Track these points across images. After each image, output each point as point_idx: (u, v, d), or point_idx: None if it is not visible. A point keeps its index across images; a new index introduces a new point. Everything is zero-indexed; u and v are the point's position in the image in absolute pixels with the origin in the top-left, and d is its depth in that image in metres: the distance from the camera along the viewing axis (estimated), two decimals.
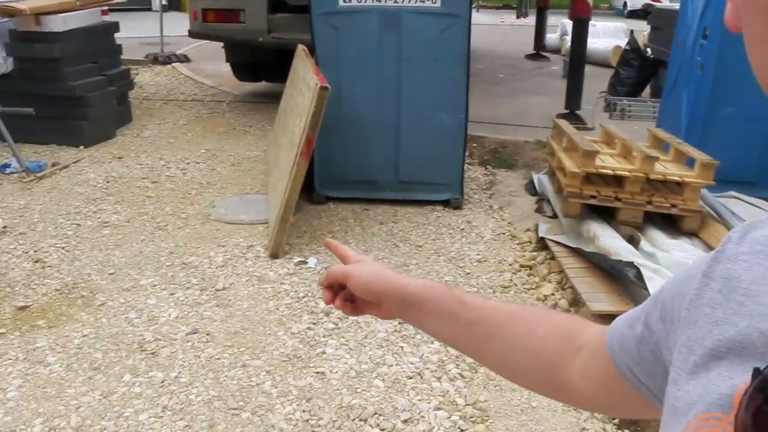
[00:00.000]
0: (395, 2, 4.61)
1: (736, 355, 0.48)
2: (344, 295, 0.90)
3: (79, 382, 2.82)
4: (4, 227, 4.29)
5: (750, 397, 0.42)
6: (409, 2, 4.60)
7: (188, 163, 5.73)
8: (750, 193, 4.43)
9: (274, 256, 4.00)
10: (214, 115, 7.45)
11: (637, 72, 8.40)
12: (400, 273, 0.87)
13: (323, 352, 3.09)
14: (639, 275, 3.25)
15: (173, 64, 10.51)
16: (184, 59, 10.85)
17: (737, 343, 0.48)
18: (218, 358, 3.02)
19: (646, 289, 3.16)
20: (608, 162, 4.12)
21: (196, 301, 3.50)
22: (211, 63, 10.16)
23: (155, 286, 3.65)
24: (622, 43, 10.00)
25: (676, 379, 0.53)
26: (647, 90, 8.62)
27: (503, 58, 12.13)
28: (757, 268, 0.51)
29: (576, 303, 3.50)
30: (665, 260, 3.48)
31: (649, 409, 0.66)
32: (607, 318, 3.25)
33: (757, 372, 0.43)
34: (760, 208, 4.28)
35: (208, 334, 3.20)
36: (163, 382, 2.83)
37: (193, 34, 7.37)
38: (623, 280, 3.44)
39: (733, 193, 4.43)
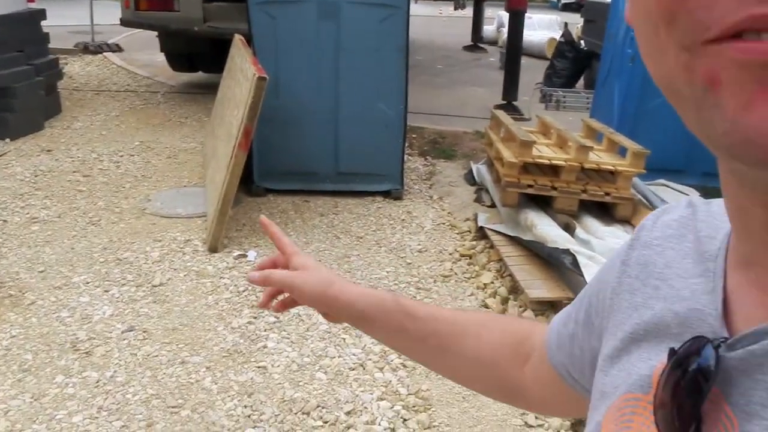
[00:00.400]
0: None
1: (653, 336, 0.49)
2: (285, 300, 0.88)
3: (8, 385, 2.70)
4: None
5: (667, 375, 0.43)
6: None
7: (122, 156, 5.56)
8: (678, 181, 4.60)
9: (213, 250, 3.92)
10: (148, 106, 7.25)
11: (571, 64, 8.60)
12: (344, 279, 0.84)
13: (264, 346, 3.05)
14: (575, 262, 3.33)
15: (105, 53, 10.18)
16: (116, 49, 10.52)
17: (653, 325, 0.50)
18: (156, 356, 2.94)
19: (582, 275, 3.24)
20: (544, 152, 4.20)
21: (131, 298, 3.40)
22: (145, 53, 9.88)
23: (88, 283, 3.53)
24: (557, 35, 10.21)
25: (603, 365, 0.55)
26: (581, 81, 8.83)
27: (441, 50, 12.22)
28: (669, 252, 0.53)
29: (515, 290, 3.56)
30: (600, 247, 3.58)
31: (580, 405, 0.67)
32: (545, 304, 3.31)
33: (672, 352, 0.44)
34: (687, 194, 4.45)
35: (144, 332, 3.12)
36: (98, 382, 2.75)
37: (125, 22, 7.14)
38: (560, 267, 3.52)
39: (662, 181, 4.58)
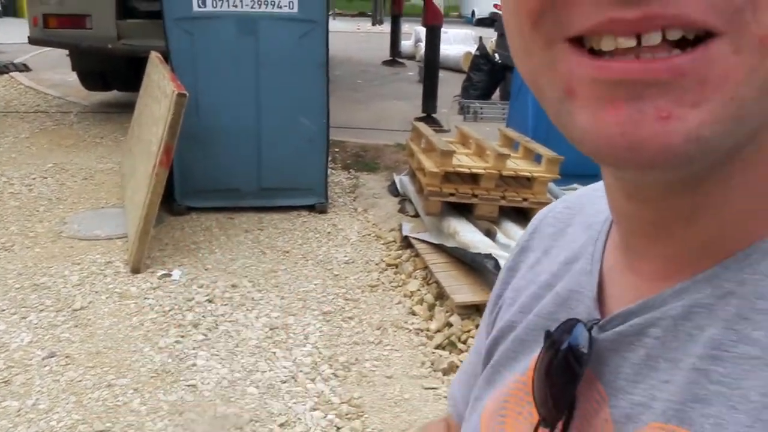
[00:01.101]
0: (252, 8, 4.58)
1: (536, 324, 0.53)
2: None
3: None
4: None
5: (542, 356, 0.46)
6: (265, 8, 4.59)
7: (34, 179, 5.36)
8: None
9: (136, 270, 3.84)
10: (60, 126, 7.02)
11: (487, 76, 8.87)
12: None
13: (194, 365, 3.01)
14: (497, 265, 3.45)
15: (11, 73, 9.77)
16: (24, 68, 10.12)
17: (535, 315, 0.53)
18: (80, 380, 2.86)
19: None
20: (464, 161, 4.33)
21: (51, 323, 3.29)
22: (55, 72, 9.56)
23: (3, 310, 3.39)
24: (472, 49, 10.51)
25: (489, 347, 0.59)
26: (497, 93, 9.12)
27: (360, 65, 12.35)
28: (558, 237, 0.58)
29: (441, 296, 3.65)
30: None
31: None
32: (470, 308, 3.40)
33: (548, 334, 0.46)
34: None
35: (67, 357, 3.02)
36: (19, 411, 2.65)
37: (33, 41, 6.89)
38: (483, 271, 3.63)
39: (576, 185, 4.80)
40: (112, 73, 7.44)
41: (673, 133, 0.32)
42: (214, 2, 4.56)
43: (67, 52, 7.52)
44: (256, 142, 4.78)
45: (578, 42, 0.34)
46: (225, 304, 3.55)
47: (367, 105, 8.77)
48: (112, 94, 8.08)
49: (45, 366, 2.95)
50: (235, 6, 4.58)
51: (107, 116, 7.43)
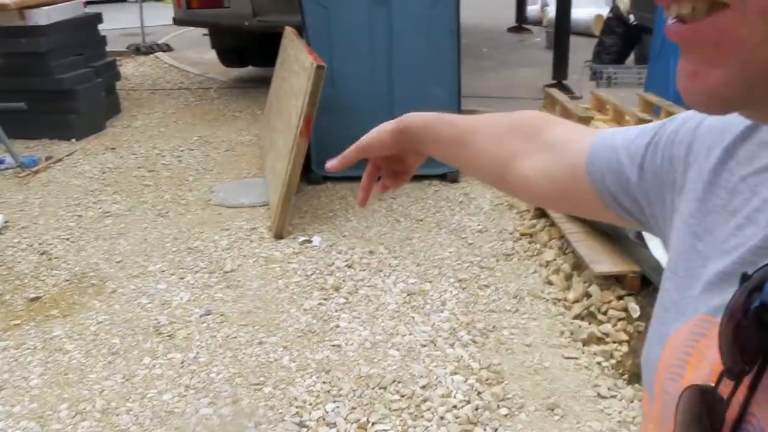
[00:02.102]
0: None
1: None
2: (385, 179, 0.97)
3: (100, 367, 2.86)
4: (6, 222, 4.29)
5: (734, 302, 0.42)
6: None
7: (182, 151, 5.73)
8: None
9: (279, 236, 4.04)
10: (202, 102, 7.43)
11: (621, 39, 8.45)
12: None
13: (337, 326, 3.15)
14: (639, 234, 3.32)
15: (156, 53, 10.42)
16: (167, 48, 10.75)
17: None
18: (234, 337, 3.07)
19: (647, 247, 3.24)
20: (602, 127, 4.18)
21: (206, 284, 3.54)
22: (194, 51, 10.09)
23: (164, 271, 3.69)
24: (604, 11, 10.04)
25: (693, 230, 0.54)
26: (631, 57, 8.68)
27: (486, 32, 12.13)
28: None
29: (578, 267, 3.58)
30: None
31: (603, 213, 0.69)
32: (610, 278, 3.31)
33: (744, 276, 0.42)
34: None
35: (221, 315, 3.25)
36: (182, 362, 2.88)
37: (178, 21, 7.32)
38: (623, 240, 3.52)
39: None
40: (248, 50, 7.78)
41: (697, 89, 0.41)
42: None
43: (205, 31, 7.93)
44: (388, 109, 4.84)
45: None
46: (363, 270, 3.67)
47: (494, 73, 8.63)
48: (248, 70, 8.44)
49: (203, 323, 3.18)
50: None
51: (244, 91, 7.78)
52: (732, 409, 0.42)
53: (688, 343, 0.49)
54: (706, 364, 0.46)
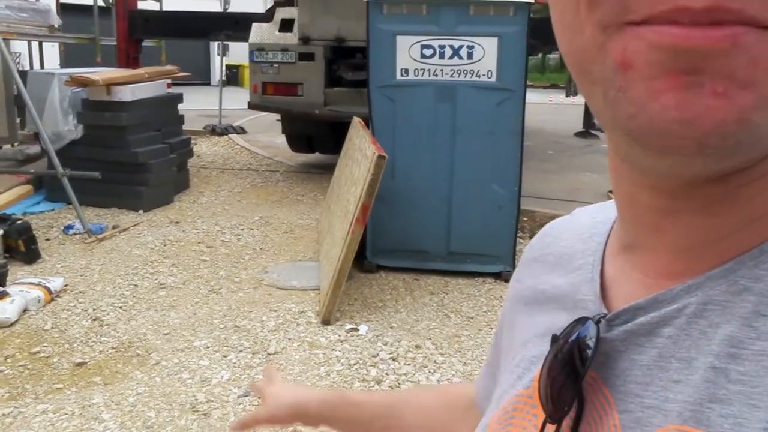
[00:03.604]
0: (451, 77, 4.73)
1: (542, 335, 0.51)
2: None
3: None
4: (66, 285, 4.41)
5: (549, 353, 0.45)
6: (465, 77, 4.71)
7: (242, 229, 5.84)
8: None
9: (326, 322, 3.99)
10: (267, 184, 7.64)
11: None
12: (299, 389, 0.90)
13: None
14: None
15: (230, 135, 10.89)
16: (240, 131, 11.24)
17: (545, 327, 0.51)
18: None
19: None
20: None
21: (248, 364, 3.50)
22: (266, 135, 10.50)
23: (208, 347, 3.67)
24: None
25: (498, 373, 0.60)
26: None
27: (552, 135, 12.22)
28: (550, 257, 0.57)
29: None
30: None
31: None
32: None
33: (554, 338, 0.45)
34: None
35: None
36: None
37: (252, 106, 7.65)
38: None
39: None
40: (316, 137, 8.03)
41: (727, 111, 0.31)
42: (416, 71, 4.77)
43: (278, 117, 8.25)
44: (447, 205, 4.85)
45: (635, 25, 0.33)
46: (408, 364, 3.56)
47: (558, 176, 8.60)
48: (314, 156, 8.69)
49: (240, 404, 3.12)
50: (436, 75, 4.75)
51: (309, 176, 7.98)
52: None
53: (506, 422, 0.51)
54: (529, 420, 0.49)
